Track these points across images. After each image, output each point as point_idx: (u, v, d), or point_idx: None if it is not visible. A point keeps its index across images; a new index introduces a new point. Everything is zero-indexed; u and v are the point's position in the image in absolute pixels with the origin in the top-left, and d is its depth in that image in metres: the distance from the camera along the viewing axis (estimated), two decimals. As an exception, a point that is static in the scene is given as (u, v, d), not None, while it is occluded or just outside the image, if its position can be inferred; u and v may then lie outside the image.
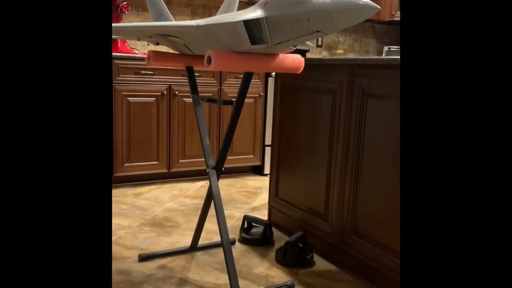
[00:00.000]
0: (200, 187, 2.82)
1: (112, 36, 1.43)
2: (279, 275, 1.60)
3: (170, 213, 2.28)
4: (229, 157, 3.02)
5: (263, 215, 2.30)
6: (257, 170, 3.25)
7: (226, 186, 2.85)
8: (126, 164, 2.69)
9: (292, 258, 1.68)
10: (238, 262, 1.70)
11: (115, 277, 1.53)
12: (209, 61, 1.25)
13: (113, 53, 2.56)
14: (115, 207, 2.33)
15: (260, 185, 2.93)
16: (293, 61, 1.35)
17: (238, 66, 1.29)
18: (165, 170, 2.83)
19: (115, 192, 2.62)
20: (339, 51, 3.90)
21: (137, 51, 2.88)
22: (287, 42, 1.14)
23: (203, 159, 2.94)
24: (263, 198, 2.63)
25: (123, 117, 2.64)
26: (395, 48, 4.16)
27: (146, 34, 1.43)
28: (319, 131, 1.80)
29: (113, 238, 1.90)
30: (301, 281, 1.57)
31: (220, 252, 1.80)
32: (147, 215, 2.23)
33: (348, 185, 1.65)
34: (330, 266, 1.70)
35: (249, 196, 2.67)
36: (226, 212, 2.32)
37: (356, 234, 1.61)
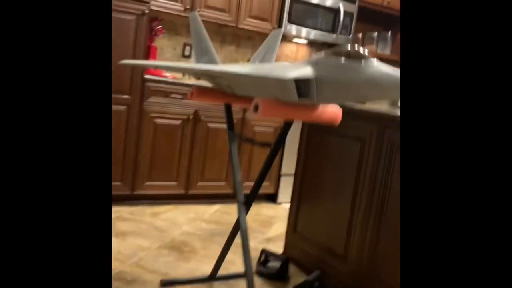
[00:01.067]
0: (215, 211, 2.88)
1: (158, 67, 1.50)
2: (296, 314, 1.65)
3: (187, 237, 2.33)
4: (245, 183, 3.07)
5: (278, 247, 2.34)
6: (271, 198, 3.30)
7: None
8: (146, 183, 2.75)
9: (309, 298, 1.73)
10: (256, 296, 1.74)
11: (138, 301, 1.58)
12: (256, 108, 1.32)
13: (146, 75, 2.65)
14: (134, 226, 2.39)
15: (274, 214, 2.98)
16: (332, 113, 1.42)
17: (282, 115, 1.36)
18: (182, 191, 2.89)
19: (134, 210, 2.67)
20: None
21: (167, 74, 2.98)
22: (331, 100, 1.22)
23: (221, 183, 3.00)
24: (278, 228, 2.67)
25: (149, 137, 2.71)
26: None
27: (196, 74, 1.50)
28: (345, 173, 1.86)
29: (134, 259, 1.95)
30: (317, 322, 1.61)
31: (237, 284, 1.84)
32: (165, 237, 2.28)
33: (370, 230, 1.70)
34: (345, 309, 1.74)
35: (264, 225, 2.72)
36: (235, 242, 2.36)
37: (375, 278, 1.66)
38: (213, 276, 1.83)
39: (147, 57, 2.97)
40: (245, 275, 1.47)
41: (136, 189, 2.73)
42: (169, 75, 2.95)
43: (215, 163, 2.97)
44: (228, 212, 2.86)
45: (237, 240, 1.69)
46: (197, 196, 2.99)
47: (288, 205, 3.13)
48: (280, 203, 3.24)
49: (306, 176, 2.10)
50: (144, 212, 2.66)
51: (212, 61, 1.69)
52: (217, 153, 2.96)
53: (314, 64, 1.23)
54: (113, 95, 2.55)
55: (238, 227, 1.62)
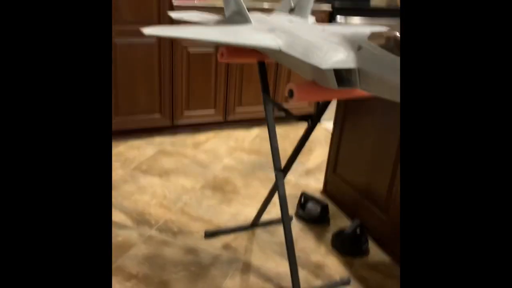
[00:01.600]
0: (255, 137, 2.88)
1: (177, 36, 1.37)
2: (335, 266, 1.72)
3: (228, 172, 2.38)
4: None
5: (318, 181, 2.36)
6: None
7: (280, 137, 2.89)
8: (185, 113, 2.74)
9: (348, 248, 1.78)
10: (296, 245, 1.81)
11: (185, 256, 1.69)
12: (291, 94, 1.21)
13: (175, 2, 2.45)
14: (177, 162, 2.45)
15: (314, 136, 2.95)
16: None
17: (321, 98, 1.24)
18: (221, 118, 2.87)
19: (176, 140, 2.72)
20: None
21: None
22: (379, 93, 1.08)
23: (258, 107, 2.94)
24: (318, 156, 2.66)
25: (183, 67, 2.62)
26: None
27: (221, 43, 1.37)
28: (392, 116, 1.75)
29: (179, 205, 2.04)
30: (356, 274, 1.68)
31: (278, 230, 1.91)
32: (208, 174, 2.34)
33: None
34: (385, 257, 1.78)
35: (303, 152, 2.71)
36: (282, 175, 2.39)
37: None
38: (255, 224, 1.90)
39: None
40: (286, 243, 1.50)
41: (176, 119, 2.74)
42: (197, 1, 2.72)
43: (251, 88, 2.87)
44: (267, 138, 2.86)
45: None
46: (236, 121, 2.98)
47: (329, 124, 3.08)
48: (320, 123, 3.18)
49: (350, 108, 2.00)
50: (185, 142, 2.71)
51: (242, 17, 1.52)
52: (253, 78, 2.85)
53: (357, 48, 1.07)
54: (142, 27, 2.41)
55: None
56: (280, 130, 3.03)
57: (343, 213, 2.07)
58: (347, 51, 1.09)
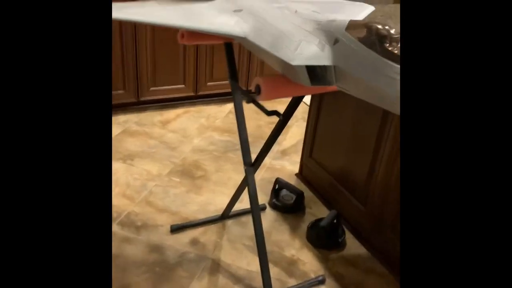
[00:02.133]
0: (228, 113, 2.71)
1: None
2: (310, 261, 1.62)
3: (199, 155, 2.23)
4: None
5: (294, 162, 2.24)
6: (288, 89, 3.07)
7: (255, 114, 2.72)
8: (152, 88, 2.55)
9: (324, 241, 1.68)
10: (269, 238, 1.70)
11: (149, 255, 1.57)
12: (258, 90, 1.04)
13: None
14: (143, 143, 2.28)
15: (291, 112, 2.80)
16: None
17: (292, 94, 1.08)
18: (192, 93, 2.68)
19: (142, 118, 2.54)
20: None
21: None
22: (357, 94, 0.93)
23: (232, 80, 2.76)
24: (294, 135, 2.53)
25: (147, 39, 2.40)
26: None
27: (181, 28, 1.18)
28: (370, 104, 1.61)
29: (144, 194, 1.90)
30: (332, 271, 1.59)
31: (251, 221, 1.80)
32: (176, 157, 2.18)
33: (398, 168, 1.52)
34: (362, 251, 1.70)
35: (279, 129, 2.57)
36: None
37: (396, 230, 1.57)
38: (225, 215, 1.78)
39: None
40: (256, 244, 1.38)
41: (141, 96, 2.54)
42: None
43: (223, 61, 2.67)
44: (241, 114, 2.69)
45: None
46: (208, 96, 2.79)
47: (308, 98, 2.92)
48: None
49: (325, 99, 1.86)
50: (153, 120, 2.53)
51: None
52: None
53: (333, 42, 0.91)
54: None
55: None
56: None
57: (320, 200, 1.96)
58: (322, 44, 0.93)
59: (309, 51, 0.92)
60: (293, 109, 1.29)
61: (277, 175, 2.11)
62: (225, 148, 2.32)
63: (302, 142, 2.23)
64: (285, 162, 2.24)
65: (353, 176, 1.74)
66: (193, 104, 2.77)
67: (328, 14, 1.25)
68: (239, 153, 2.27)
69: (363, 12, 1.38)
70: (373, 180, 1.63)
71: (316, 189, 2.00)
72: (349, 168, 1.76)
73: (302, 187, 2.03)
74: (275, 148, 2.36)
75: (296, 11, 1.11)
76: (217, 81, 2.71)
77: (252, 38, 1.04)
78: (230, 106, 2.79)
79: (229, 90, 2.79)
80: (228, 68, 1.40)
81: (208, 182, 2.02)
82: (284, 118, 1.27)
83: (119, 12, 1.13)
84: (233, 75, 1.40)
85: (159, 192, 1.91)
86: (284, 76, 1.06)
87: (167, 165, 2.12)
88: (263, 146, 1.42)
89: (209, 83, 2.70)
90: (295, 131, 2.57)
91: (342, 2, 1.50)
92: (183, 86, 2.63)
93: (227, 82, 2.74)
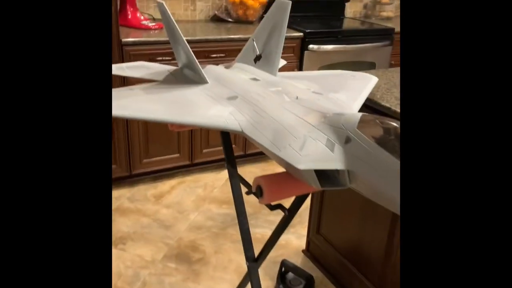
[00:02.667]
0: (225, 180, 2.57)
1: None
2: None
3: (196, 234, 2.05)
4: (204, 151, 2.63)
5: (299, 236, 2.06)
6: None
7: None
8: (144, 160, 2.41)
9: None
10: (278, 335, 1.51)
11: None
12: (260, 192, 0.91)
13: (124, 39, 2.13)
14: (135, 223, 2.12)
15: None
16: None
17: (297, 193, 0.95)
18: (187, 162, 2.55)
19: (135, 192, 2.38)
20: (385, 0, 3.31)
21: (150, 23, 2.42)
22: (373, 197, 0.79)
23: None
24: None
25: (139, 110, 2.29)
26: None
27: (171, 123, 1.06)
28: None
29: (137, 286, 1.71)
30: None
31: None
32: (171, 238, 2.01)
33: None
34: None
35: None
36: (257, 231, 2.09)
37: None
38: (227, 309, 1.59)
39: (122, 0, 2.40)
40: None
41: (134, 169, 2.40)
42: (153, 25, 2.40)
43: (220, 128, 2.57)
44: (240, 181, 2.55)
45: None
46: (204, 163, 2.65)
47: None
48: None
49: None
50: (146, 194, 2.37)
51: (195, 74, 1.21)
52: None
53: (345, 139, 0.78)
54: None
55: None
56: (254, 168, 2.72)
57: (332, 282, 1.78)
58: (331, 142, 0.80)
59: (317, 152, 0.79)
60: (300, 204, 1.15)
61: (282, 252, 1.94)
62: (224, 223, 2.15)
63: (307, 211, 2.07)
64: (290, 236, 2.07)
65: (367, 255, 1.57)
66: (189, 172, 2.62)
67: (331, 94, 1.14)
68: (240, 228, 2.10)
69: (367, 86, 1.27)
70: (391, 259, 1.46)
71: (326, 269, 1.82)
72: (362, 245, 1.59)
73: (310, 265, 1.85)
74: (277, 218, 2.19)
75: (297, 97, 1.00)
76: (214, 147, 2.59)
77: (249, 132, 0.92)
78: (227, 173, 2.65)
79: (226, 156, 2.66)
80: (224, 154, 1.27)
81: (207, 267, 1.84)
82: (290, 214, 1.12)
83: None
84: (230, 160, 1.27)
85: (154, 283, 1.73)
86: (286, 173, 0.92)
87: (162, 248, 1.94)
88: (267, 242, 1.26)
89: (205, 150, 2.57)
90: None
91: (342, 74, 1.40)
92: (177, 155, 2.50)
93: (223, 148, 2.62)
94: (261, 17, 2.86)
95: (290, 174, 0.91)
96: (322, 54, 2.67)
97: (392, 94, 1.45)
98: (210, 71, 1.26)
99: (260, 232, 2.07)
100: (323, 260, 1.84)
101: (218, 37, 2.35)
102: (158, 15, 2.67)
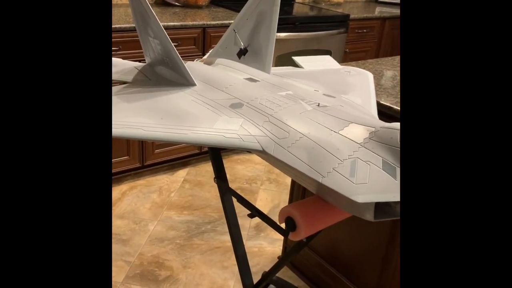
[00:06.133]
0: (182, 182, 2.34)
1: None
2: None
3: (158, 247, 1.83)
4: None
5: (272, 241, 1.92)
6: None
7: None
8: (89, 165, 2.11)
9: None
10: None
11: None
12: (293, 227, 0.74)
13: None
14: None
15: (253, 173, 2.50)
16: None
17: (333, 222, 0.79)
18: (138, 164, 2.29)
19: (79, 203, 2.08)
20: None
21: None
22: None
23: (183, 144, 2.40)
24: (264, 203, 2.22)
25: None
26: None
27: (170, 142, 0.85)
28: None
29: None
30: None
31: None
32: (131, 255, 1.77)
33: None
34: None
35: (247, 195, 2.25)
36: (219, 241, 1.92)
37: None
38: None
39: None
40: None
41: (78, 176, 2.10)
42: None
43: (174, 125, 2.33)
44: (199, 182, 2.35)
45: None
46: (155, 164, 2.41)
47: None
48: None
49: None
50: (93, 203, 2.09)
51: (176, 75, 1.00)
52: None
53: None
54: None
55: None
56: (211, 168, 2.52)
57: (307, 282, 1.67)
58: (389, 165, 0.65)
59: (377, 180, 0.63)
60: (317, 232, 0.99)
61: (257, 261, 1.79)
62: (188, 232, 1.95)
63: (277, 210, 1.93)
64: (262, 242, 1.92)
65: (353, 260, 1.47)
66: (140, 175, 2.36)
67: (343, 97, 0.99)
68: (207, 237, 1.92)
69: (369, 84, 1.14)
70: (390, 268, 1.37)
71: (309, 278, 1.70)
72: (349, 250, 1.49)
73: (290, 274, 1.72)
74: (246, 224, 2.04)
75: (318, 104, 0.83)
76: (166, 146, 2.35)
77: (275, 152, 0.74)
78: (182, 173, 2.43)
79: (180, 154, 2.44)
80: (213, 168, 1.07)
81: (177, 285, 1.64)
82: (308, 240, 0.95)
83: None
84: (220, 174, 1.08)
85: (118, 312, 1.50)
86: (320, 199, 0.76)
87: (122, 267, 1.70)
88: (273, 267, 1.09)
89: (157, 150, 2.33)
90: (264, 198, 2.26)
91: (337, 70, 1.25)
92: (127, 157, 2.23)
93: (178, 146, 2.39)
94: (211, 1, 2.64)
95: (322, 200, 0.76)
96: (278, 43, 2.52)
97: (385, 90, 1.34)
98: (193, 69, 1.05)
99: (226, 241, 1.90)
100: (303, 268, 1.72)
101: (166, 23, 2.10)
102: None
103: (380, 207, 0.68)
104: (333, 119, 0.77)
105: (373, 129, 0.71)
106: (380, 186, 0.63)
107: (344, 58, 2.87)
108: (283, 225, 0.84)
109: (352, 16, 2.81)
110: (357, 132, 0.72)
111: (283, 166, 0.74)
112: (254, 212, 0.97)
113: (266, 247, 1.89)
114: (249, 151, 0.79)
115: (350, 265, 1.50)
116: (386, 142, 0.68)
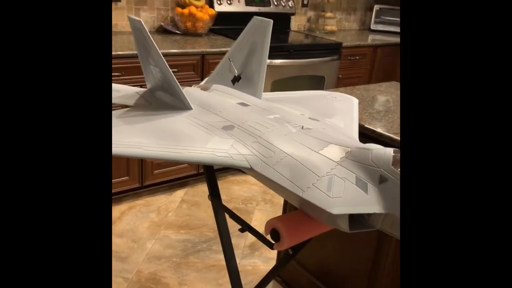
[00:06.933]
0: (180, 202, 2.41)
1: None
2: None
3: (156, 264, 1.89)
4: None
5: (266, 260, 1.98)
6: (240, 167, 2.85)
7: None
8: (90, 185, 2.19)
9: None
10: None
11: None
12: (276, 237, 0.81)
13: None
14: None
15: (249, 193, 2.57)
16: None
17: (315, 233, 0.87)
18: (137, 185, 2.36)
19: (80, 221, 2.15)
20: (328, 14, 3.36)
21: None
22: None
23: (181, 165, 2.48)
24: (259, 223, 2.29)
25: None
26: (386, 7, 3.70)
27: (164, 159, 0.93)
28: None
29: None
30: None
31: None
32: (129, 272, 1.83)
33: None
34: None
35: (242, 213, 2.32)
36: (214, 259, 1.97)
37: None
38: None
39: None
40: None
41: (79, 195, 2.17)
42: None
43: (173, 146, 2.41)
44: (196, 202, 2.41)
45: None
46: (154, 184, 2.48)
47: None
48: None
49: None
50: (93, 222, 2.15)
51: (174, 99, 1.09)
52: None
53: (379, 178, 0.72)
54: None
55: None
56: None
57: (306, 307, 1.72)
58: (362, 182, 0.73)
59: (351, 194, 0.72)
60: (308, 241, 1.07)
61: (251, 279, 1.84)
62: (184, 250, 2.01)
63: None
64: (256, 261, 1.98)
65: (348, 279, 1.53)
66: (138, 196, 2.44)
67: (326, 120, 1.08)
68: (202, 255, 1.98)
69: (353, 109, 1.23)
70: (376, 285, 1.43)
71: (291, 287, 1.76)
72: (342, 269, 1.55)
73: (282, 291, 1.78)
74: (241, 243, 2.10)
75: (302, 127, 0.92)
76: (165, 167, 2.43)
77: (261, 169, 0.82)
78: (180, 193, 2.50)
79: (178, 175, 2.51)
80: (207, 185, 1.15)
81: (174, 302, 1.69)
82: (294, 253, 1.03)
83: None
84: (214, 191, 1.16)
85: (116, 327, 1.55)
86: (303, 213, 0.84)
87: (120, 284, 1.75)
88: (262, 280, 1.16)
89: (156, 171, 2.40)
90: (259, 217, 2.33)
91: (323, 95, 1.35)
92: (127, 177, 2.30)
93: (176, 167, 2.47)
94: (210, 30, 2.76)
95: (305, 214, 0.83)
96: (274, 69, 2.63)
97: (373, 116, 1.43)
98: (190, 94, 1.14)
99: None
100: (295, 284, 1.77)
101: (167, 50, 2.21)
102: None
103: (355, 219, 0.75)
104: (314, 140, 0.85)
105: (349, 149, 0.79)
106: (353, 200, 0.71)
107: (337, 83, 2.99)
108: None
109: (344, 44, 2.93)
110: (335, 152, 0.80)
111: (269, 182, 0.82)
112: (245, 227, 1.05)
113: (260, 265, 1.95)
114: (239, 169, 0.87)
115: (339, 281, 1.56)
116: (360, 160, 0.76)
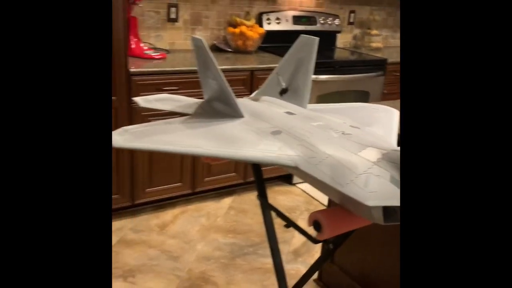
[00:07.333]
0: (228, 209, 2.55)
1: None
2: None
3: (205, 264, 2.03)
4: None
5: (309, 265, 2.07)
6: (286, 178, 2.96)
7: (257, 208, 2.58)
8: (147, 190, 2.38)
9: None
10: None
11: None
12: (318, 227, 0.92)
13: (132, 70, 2.13)
14: (142, 254, 2.07)
15: (293, 203, 2.67)
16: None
17: (354, 227, 0.97)
18: (189, 191, 2.53)
19: (138, 223, 2.34)
20: (374, 31, 3.44)
21: (153, 53, 2.43)
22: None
23: (230, 174, 2.63)
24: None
25: (143, 139, 2.28)
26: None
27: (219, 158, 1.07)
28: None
29: (152, 322, 1.66)
30: None
31: None
32: (181, 270, 1.98)
33: None
34: None
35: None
36: (260, 263, 2.08)
37: None
38: None
39: (128, 31, 2.40)
40: None
41: (136, 199, 2.37)
42: (156, 55, 2.42)
43: (222, 156, 2.57)
44: (243, 209, 2.55)
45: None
46: (204, 191, 2.64)
47: (305, 185, 2.83)
48: (295, 184, 2.92)
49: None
50: (149, 223, 2.33)
51: (228, 108, 1.23)
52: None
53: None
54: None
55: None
56: (255, 198, 2.73)
57: (347, 311, 1.78)
58: (395, 180, 0.83)
59: (385, 189, 0.81)
60: (347, 236, 1.16)
61: (292, 283, 1.93)
62: (232, 253, 2.14)
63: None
64: (299, 266, 2.07)
65: (388, 284, 1.59)
66: (189, 201, 2.60)
67: (367, 128, 1.18)
68: (249, 258, 2.10)
69: (393, 119, 1.32)
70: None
71: (340, 298, 1.83)
72: (383, 275, 1.61)
73: (324, 295, 1.85)
74: (285, 249, 2.20)
75: (343, 133, 1.03)
76: (215, 175, 2.59)
77: (305, 168, 0.94)
78: (228, 201, 2.64)
79: (226, 183, 2.66)
80: (256, 187, 1.27)
81: (222, 299, 1.82)
82: (334, 247, 1.13)
83: (140, 141, 1.02)
84: (262, 192, 1.27)
85: (169, 317, 1.69)
86: (342, 208, 0.94)
87: (173, 281, 1.90)
88: (304, 275, 1.26)
89: (206, 179, 2.56)
90: (303, 226, 2.42)
91: (365, 107, 1.44)
92: (180, 184, 2.48)
93: (225, 175, 2.62)
94: (259, 48, 2.92)
95: (344, 209, 0.93)
96: (319, 84, 2.74)
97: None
98: (242, 104, 1.28)
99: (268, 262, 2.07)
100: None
101: (220, 67, 2.38)
102: (159, 45, 2.69)
103: (389, 213, 0.85)
104: (354, 143, 0.96)
105: (385, 151, 0.89)
106: (387, 194, 0.81)
107: (382, 98, 3.05)
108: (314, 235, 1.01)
109: (389, 60, 3.00)
110: (372, 154, 0.90)
111: (312, 179, 0.93)
112: (289, 223, 1.16)
113: (303, 270, 2.04)
114: (286, 170, 0.99)
115: (379, 287, 1.62)
116: (394, 161, 0.86)
